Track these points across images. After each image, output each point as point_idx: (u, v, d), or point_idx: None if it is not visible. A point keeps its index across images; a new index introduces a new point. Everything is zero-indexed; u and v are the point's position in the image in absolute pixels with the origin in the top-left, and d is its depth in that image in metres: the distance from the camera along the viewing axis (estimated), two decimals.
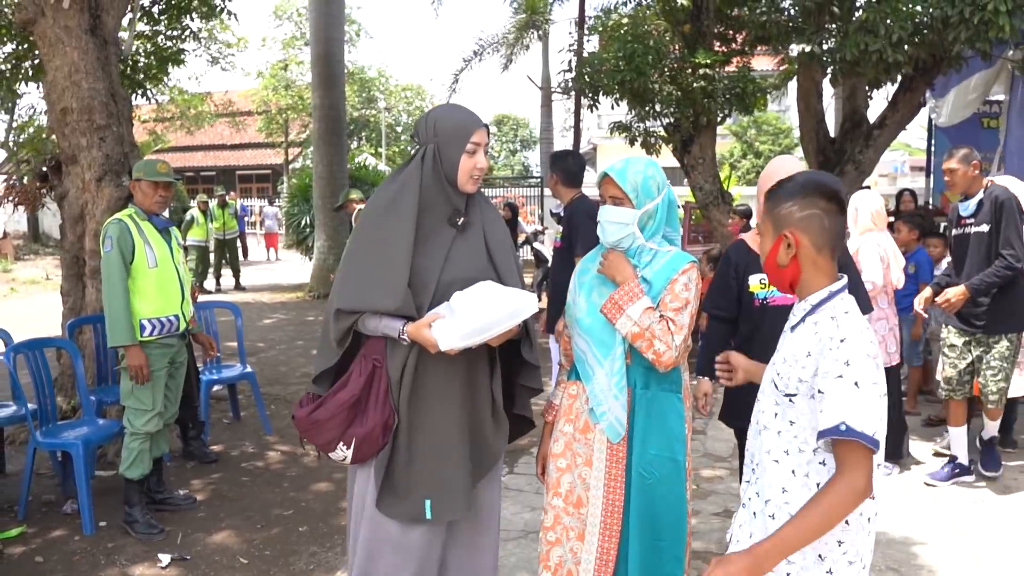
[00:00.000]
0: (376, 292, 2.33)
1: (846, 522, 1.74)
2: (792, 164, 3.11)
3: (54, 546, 3.99)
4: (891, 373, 4.73)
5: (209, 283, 14.40)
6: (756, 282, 3.05)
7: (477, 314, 2.22)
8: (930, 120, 10.16)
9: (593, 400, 2.49)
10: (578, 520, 2.51)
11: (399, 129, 30.58)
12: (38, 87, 7.36)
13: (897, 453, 4.93)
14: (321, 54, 12.79)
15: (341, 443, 2.39)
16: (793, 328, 1.89)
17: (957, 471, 4.69)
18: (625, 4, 8.98)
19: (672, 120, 8.01)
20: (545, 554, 2.56)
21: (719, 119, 7.99)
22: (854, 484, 1.66)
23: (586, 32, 11.80)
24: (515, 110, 61.74)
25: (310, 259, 14.10)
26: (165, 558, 3.81)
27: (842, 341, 1.72)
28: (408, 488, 2.39)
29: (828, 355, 1.72)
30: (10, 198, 6.92)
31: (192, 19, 7.18)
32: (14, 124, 18.26)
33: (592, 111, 8.25)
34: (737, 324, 3.17)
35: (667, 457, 2.47)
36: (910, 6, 6.09)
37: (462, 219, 2.44)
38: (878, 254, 4.86)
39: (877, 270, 4.81)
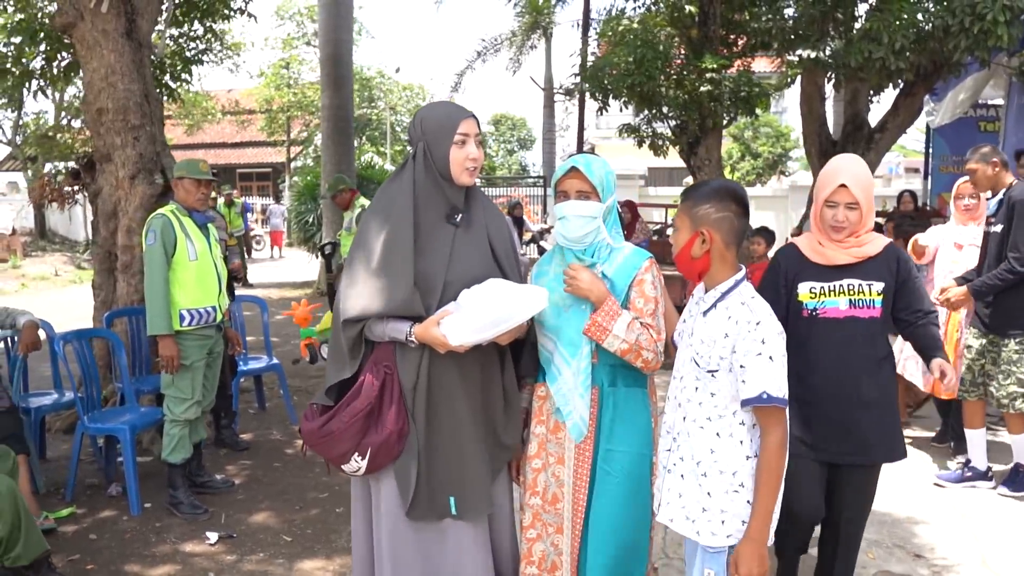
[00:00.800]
0: (380, 295, 2.32)
1: (747, 457, 2.12)
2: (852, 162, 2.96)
3: (105, 525, 4.20)
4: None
5: None
6: (807, 291, 2.83)
7: (487, 308, 2.22)
8: (927, 123, 10.43)
9: (559, 399, 2.46)
10: (555, 516, 2.52)
11: (398, 128, 30.72)
12: (55, 89, 7.58)
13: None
14: (330, 55, 12.99)
15: (356, 454, 2.35)
16: (705, 313, 2.19)
17: (970, 474, 4.65)
18: (634, 10, 9.23)
19: (679, 122, 8.27)
20: (528, 551, 2.56)
21: (725, 122, 8.24)
22: (780, 438, 2.06)
23: (590, 36, 12.06)
24: (514, 110, 61.87)
25: (317, 256, 14.29)
26: (213, 536, 4.04)
27: (757, 324, 2.06)
28: (431, 491, 2.40)
29: (747, 336, 2.06)
30: (44, 195, 7.12)
31: (214, 21, 7.37)
32: (20, 123, 18.45)
33: (602, 113, 8.47)
34: None
35: (635, 452, 2.45)
36: (912, 16, 6.32)
37: (460, 215, 2.42)
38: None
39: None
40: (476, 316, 2.22)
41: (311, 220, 14.63)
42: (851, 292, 2.77)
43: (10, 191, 21.90)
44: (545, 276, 2.57)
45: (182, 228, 4.39)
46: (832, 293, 2.79)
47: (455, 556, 2.43)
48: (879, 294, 2.77)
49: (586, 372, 2.42)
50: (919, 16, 6.37)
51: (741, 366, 2.05)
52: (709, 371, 2.13)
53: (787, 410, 2.08)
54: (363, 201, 7.92)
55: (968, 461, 4.70)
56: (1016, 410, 4.32)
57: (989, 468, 4.64)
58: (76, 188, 6.47)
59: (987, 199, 4.58)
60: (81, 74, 6.98)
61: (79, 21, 5.48)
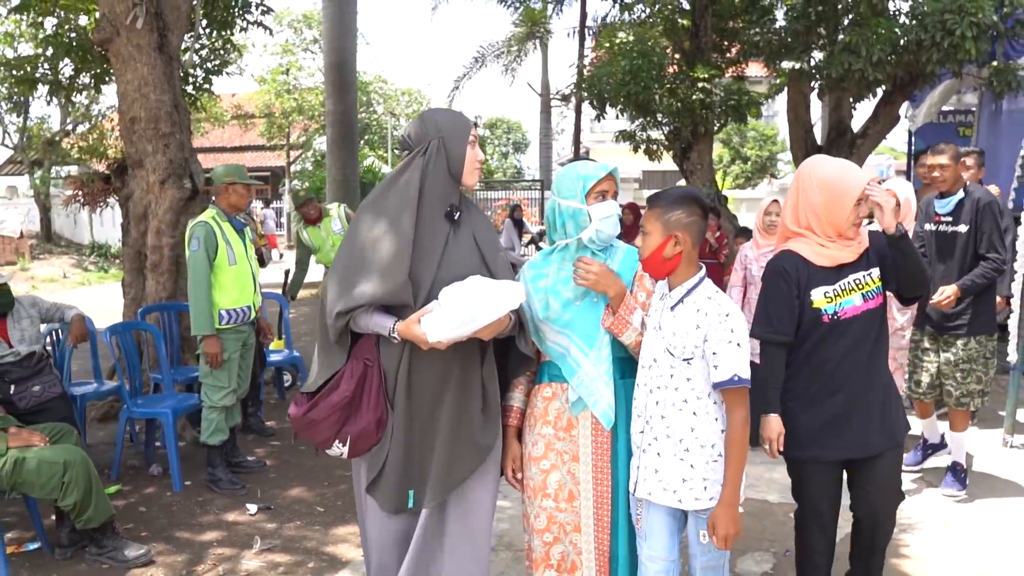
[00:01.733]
0: (373, 282, 2.36)
1: (712, 444, 2.39)
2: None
3: (151, 500, 4.62)
4: None
5: None
6: (821, 296, 2.77)
7: (463, 305, 2.25)
8: (908, 130, 10.89)
9: (583, 391, 2.49)
10: (572, 515, 2.54)
11: (397, 133, 31.13)
12: (87, 98, 7.99)
13: None
14: (334, 63, 13.40)
15: (337, 441, 2.47)
16: (672, 308, 2.41)
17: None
18: (628, 21, 9.68)
19: (672, 129, 8.71)
20: (545, 554, 2.58)
21: (716, 128, 8.69)
22: (745, 415, 2.33)
23: (587, 46, 12.51)
24: (510, 114, 62.28)
25: None
26: (252, 507, 4.46)
27: (727, 315, 2.34)
28: (398, 480, 2.47)
29: (719, 326, 2.32)
30: (77, 198, 7.51)
31: (233, 33, 7.79)
32: (25, 127, 18.80)
33: (599, 120, 8.91)
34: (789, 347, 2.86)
35: None
36: (889, 30, 6.79)
37: (459, 213, 2.48)
38: None
39: None
40: (454, 313, 2.25)
41: None
42: (860, 286, 2.78)
43: (11, 195, 22.23)
44: (545, 277, 2.59)
45: (223, 235, 4.73)
46: (846, 292, 2.78)
47: (430, 542, 2.52)
48: (879, 279, 2.83)
49: (608, 360, 2.48)
50: (895, 31, 6.83)
51: (714, 353, 2.32)
52: (685, 359, 2.36)
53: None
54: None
55: (925, 441, 4.93)
56: (972, 407, 4.44)
57: (942, 436, 4.90)
58: (107, 192, 6.87)
59: (936, 198, 4.47)
60: (106, 85, 7.45)
61: (115, 37, 5.91)
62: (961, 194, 4.38)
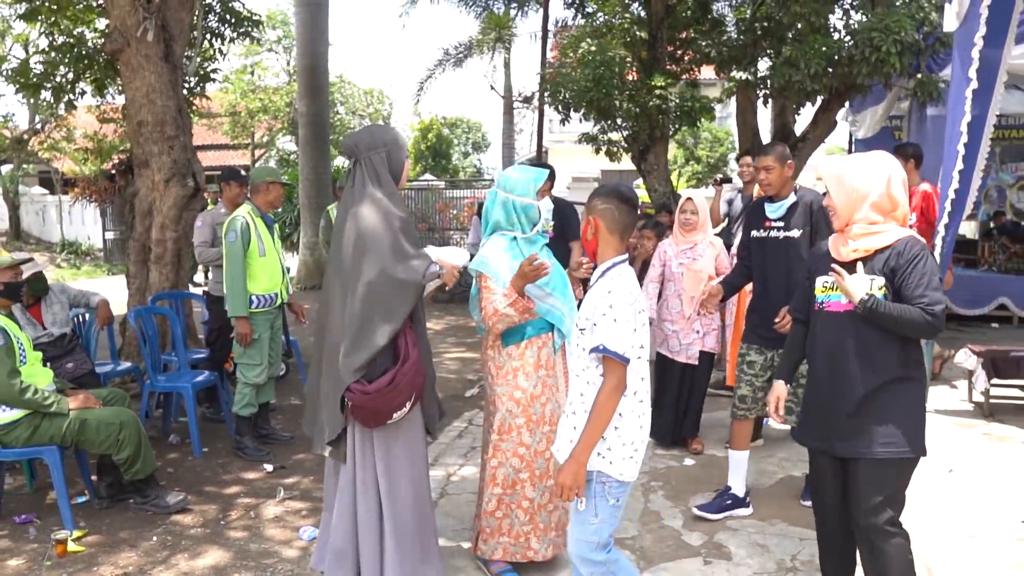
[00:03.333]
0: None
1: (619, 414, 2.55)
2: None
3: (176, 463, 5.20)
4: None
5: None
6: (820, 285, 2.94)
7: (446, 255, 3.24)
8: (850, 132, 11.78)
9: (566, 328, 3.35)
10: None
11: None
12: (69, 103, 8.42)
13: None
14: (307, 66, 13.93)
15: (408, 400, 3.04)
16: (591, 286, 2.68)
17: (729, 502, 4.25)
18: (589, 28, 10.39)
19: (631, 132, 9.43)
20: (547, 469, 3.37)
21: (672, 132, 9.44)
22: (610, 384, 2.50)
23: (549, 52, 13.19)
24: (471, 113, 62.73)
25: (294, 254, 15.21)
26: (269, 467, 5.07)
27: (609, 292, 2.55)
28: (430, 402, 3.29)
29: (601, 301, 2.54)
30: (86, 195, 7.97)
31: (224, 43, 8.33)
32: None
33: (564, 123, 9.59)
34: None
35: None
36: (824, 45, 7.58)
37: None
38: None
39: None
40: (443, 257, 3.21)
41: (288, 221, 15.50)
42: None
43: None
44: (515, 259, 3.33)
45: (255, 229, 5.24)
46: (836, 288, 2.84)
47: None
48: (880, 288, 2.75)
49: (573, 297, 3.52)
50: (831, 46, 7.62)
51: (594, 324, 2.54)
52: (581, 329, 2.62)
53: (627, 367, 2.51)
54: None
55: (728, 489, 4.30)
56: (794, 422, 3.78)
57: (747, 493, 4.32)
58: (112, 190, 7.37)
59: (766, 202, 4.23)
60: (106, 91, 7.93)
61: (126, 47, 6.43)
62: (793, 197, 4.12)
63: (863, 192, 2.80)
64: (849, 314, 2.80)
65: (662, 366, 5.39)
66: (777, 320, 3.96)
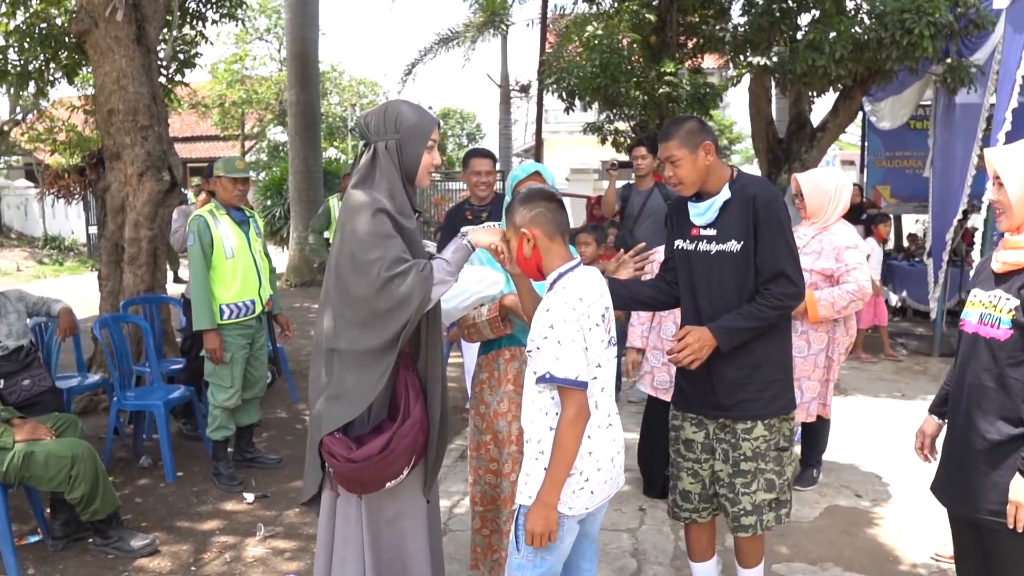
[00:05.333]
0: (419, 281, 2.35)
1: (588, 436, 2.24)
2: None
3: (146, 491, 4.66)
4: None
5: (184, 272, 14.81)
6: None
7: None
8: (864, 119, 11.27)
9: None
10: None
11: (351, 124, 30.93)
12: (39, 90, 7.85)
13: None
14: (297, 53, 13.34)
15: (407, 466, 2.42)
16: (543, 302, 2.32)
17: None
18: (593, 13, 9.83)
19: (639, 121, 8.89)
20: (512, 493, 2.82)
21: None
22: (568, 415, 2.17)
23: (548, 39, 12.65)
24: (465, 104, 62.20)
25: (283, 250, 14.64)
26: (249, 496, 4.53)
27: (547, 310, 2.21)
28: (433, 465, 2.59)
29: (541, 321, 2.21)
30: (52, 190, 7.40)
31: (205, 26, 7.76)
32: None
33: (569, 112, 9.06)
34: None
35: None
36: (849, 28, 7.05)
37: (418, 214, 2.52)
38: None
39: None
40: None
41: (278, 214, 14.94)
42: None
43: None
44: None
45: (218, 227, 4.67)
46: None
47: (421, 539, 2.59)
48: (1009, 313, 2.37)
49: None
50: (856, 29, 7.10)
51: (537, 347, 2.20)
52: (529, 351, 2.26)
53: (585, 391, 2.18)
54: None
55: None
56: (763, 528, 2.83)
57: None
58: (82, 184, 6.82)
59: (691, 202, 2.88)
60: (78, 77, 7.36)
61: (94, 28, 5.88)
62: (726, 192, 2.76)
63: None
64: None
65: (651, 406, 4.44)
66: (675, 347, 2.81)
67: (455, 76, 77.51)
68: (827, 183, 4.15)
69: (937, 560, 3.66)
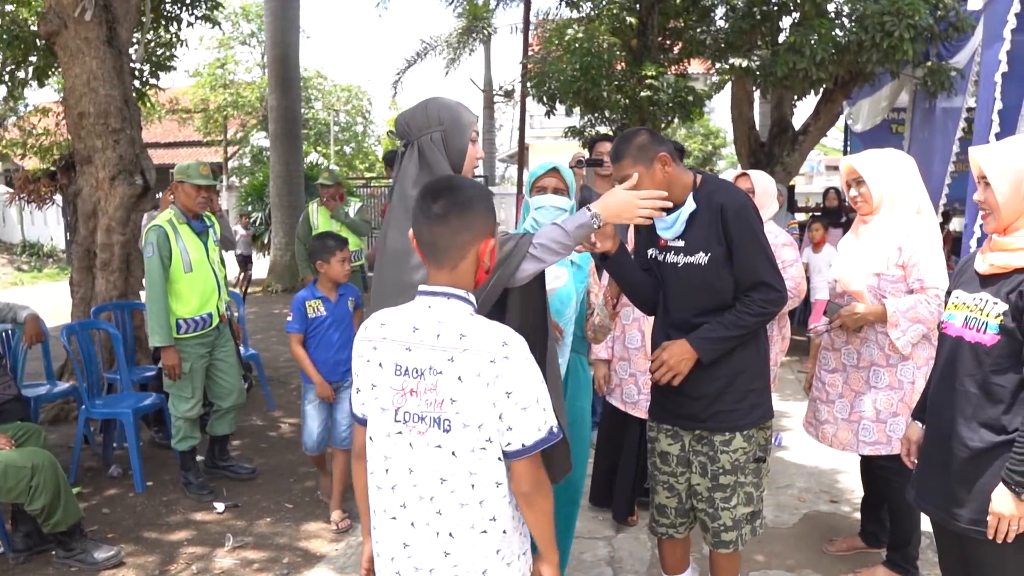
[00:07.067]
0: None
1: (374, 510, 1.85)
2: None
3: (114, 501, 4.55)
4: None
5: None
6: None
7: None
8: (846, 124, 11.27)
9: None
10: None
11: (336, 128, 30.82)
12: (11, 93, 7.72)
13: None
14: (277, 57, 13.24)
15: None
16: None
17: None
18: (575, 17, 9.79)
19: (620, 126, 8.84)
20: None
21: (664, 126, 8.87)
22: (353, 450, 1.98)
23: (530, 43, 12.60)
24: None
25: (265, 255, 14.51)
26: (220, 506, 4.43)
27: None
28: None
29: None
30: (23, 195, 7.28)
31: (181, 28, 7.66)
32: None
33: (550, 116, 9.01)
34: None
35: (580, 406, 2.99)
36: (830, 31, 7.04)
37: None
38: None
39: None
40: None
41: (258, 220, 14.81)
42: None
43: None
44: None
45: (177, 239, 4.49)
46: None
47: None
48: (996, 318, 2.30)
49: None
50: (837, 31, 7.08)
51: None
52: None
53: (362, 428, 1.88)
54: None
55: None
56: (743, 543, 2.73)
57: None
58: (53, 189, 6.70)
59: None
60: (48, 80, 7.25)
61: (63, 29, 5.77)
62: (691, 204, 2.64)
63: None
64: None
65: (614, 422, 4.09)
66: (651, 366, 2.73)
67: (440, 82, 77.41)
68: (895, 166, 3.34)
69: None
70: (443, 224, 1.75)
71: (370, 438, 1.83)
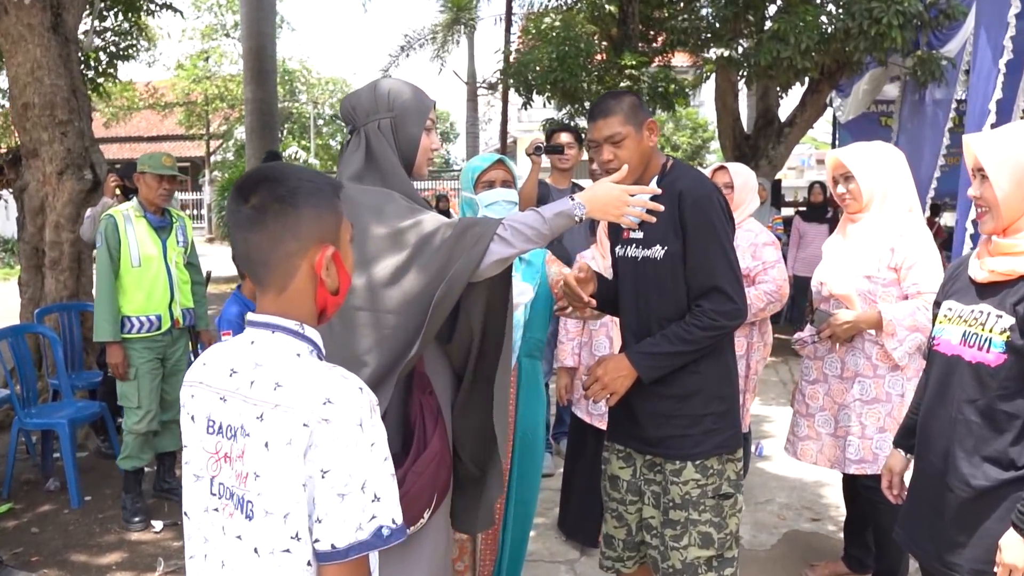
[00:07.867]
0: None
1: None
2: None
3: (46, 519, 4.24)
4: None
5: None
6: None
7: None
8: (835, 117, 11.01)
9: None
10: None
11: (320, 122, 30.49)
12: None
13: None
14: (252, 48, 12.89)
15: (428, 508, 1.96)
16: None
17: None
18: (555, 7, 9.51)
19: None
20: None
21: None
22: None
23: (513, 33, 12.31)
24: (436, 103, 61.75)
25: None
26: (158, 524, 4.13)
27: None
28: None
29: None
30: None
31: (138, 16, 7.33)
32: None
33: (526, 108, 8.72)
34: None
35: (531, 417, 2.80)
36: (816, 18, 6.76)
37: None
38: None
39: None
40: None
41: None
42: None
43: None
44: None
45: (129, 231, 4.19)
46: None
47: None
48: (1002, 333, 2.02)
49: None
50: (822, 19, 6.81)
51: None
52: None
53: None
54: None
55: None
56: None
57: None
58: (1, 183, 6.38)
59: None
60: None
61: (3, 15, 5.45)
62: (654, 188, 2.24)
63: None
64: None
65: (579, 434, 3.82)
66: (585, 382, 2.37)
67: (424, 74, 77.00)
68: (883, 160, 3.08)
69: None
70: (258, 229, 1.28)
71: (185, 514, 1.38)
